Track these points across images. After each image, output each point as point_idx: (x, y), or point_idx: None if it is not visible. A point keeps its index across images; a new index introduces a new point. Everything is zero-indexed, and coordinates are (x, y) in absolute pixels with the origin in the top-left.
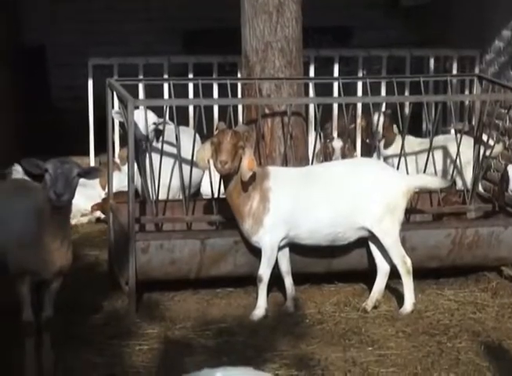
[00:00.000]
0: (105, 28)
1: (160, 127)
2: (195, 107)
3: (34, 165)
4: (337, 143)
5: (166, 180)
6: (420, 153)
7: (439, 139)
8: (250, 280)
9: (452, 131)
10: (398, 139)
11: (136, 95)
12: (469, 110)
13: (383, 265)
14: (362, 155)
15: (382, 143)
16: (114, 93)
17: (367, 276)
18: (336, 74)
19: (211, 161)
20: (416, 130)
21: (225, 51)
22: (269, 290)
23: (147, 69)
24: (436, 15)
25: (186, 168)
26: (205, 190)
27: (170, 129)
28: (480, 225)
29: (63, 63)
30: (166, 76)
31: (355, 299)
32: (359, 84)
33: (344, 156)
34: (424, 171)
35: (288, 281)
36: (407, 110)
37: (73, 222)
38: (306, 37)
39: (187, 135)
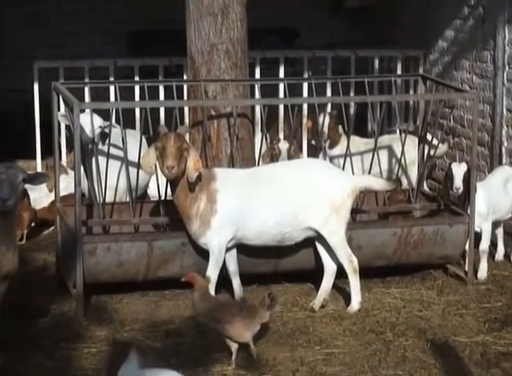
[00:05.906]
0: (51, 30)
1: (107, 130)
2: (141, 110)
3: None
4: (283, 145)
5: (113, 183)
6: (366, 153)
7: (384, 139)
8: None
9: (397, 131)
10: (344, 139)
11: (82, 98)
12: (413, 109)
13: (330, 264)
14: (308, 156)
15: (327, 144)
16: (60, 96)
17: (314, 275)
18: (281, 75)
19: (157, 166)
20: (361, 130)
21: (170, 53)
22: (217, 291)
23: (93, 72)
24: (381, 16)
25: (133, 171)
26: (152, 192)
27: (116, 132)
28: (425, 224)
29: (8, 65)
30: (112, 79)
31: (302, 299)
32: (305, 85)
33: (290, 157)
34: (370, 171)
35: (236, 282)
36: (352, 111)
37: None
38: (251, 38)
39: (133, 137)
